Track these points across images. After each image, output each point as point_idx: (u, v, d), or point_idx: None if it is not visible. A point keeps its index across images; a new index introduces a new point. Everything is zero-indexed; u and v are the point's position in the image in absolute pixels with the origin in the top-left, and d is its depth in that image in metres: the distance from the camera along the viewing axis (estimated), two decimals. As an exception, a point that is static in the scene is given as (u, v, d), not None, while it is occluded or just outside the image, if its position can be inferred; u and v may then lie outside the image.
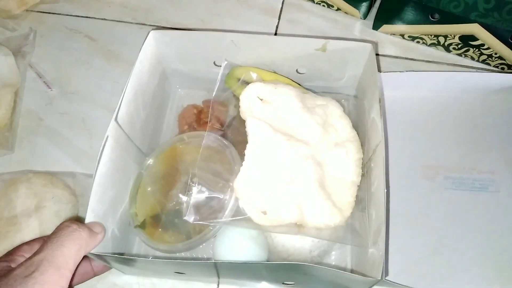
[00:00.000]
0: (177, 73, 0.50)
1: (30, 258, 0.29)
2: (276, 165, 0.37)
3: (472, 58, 0.57)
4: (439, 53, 0.58)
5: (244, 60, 0.45)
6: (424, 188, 0.47)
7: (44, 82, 0.57)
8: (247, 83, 0.42)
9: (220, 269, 0.36)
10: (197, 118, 0.48)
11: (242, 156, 0.38)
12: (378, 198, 0.35)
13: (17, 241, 0.42)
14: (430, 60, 0.57)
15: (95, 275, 0.38)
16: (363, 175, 0.40)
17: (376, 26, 0.60)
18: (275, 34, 0.61)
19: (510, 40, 0.51)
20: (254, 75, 0.44)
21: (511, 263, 0.42)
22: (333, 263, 0.42)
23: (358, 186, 0.39)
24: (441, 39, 0.56)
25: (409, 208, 0.45)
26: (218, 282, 0.42)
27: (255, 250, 0.39)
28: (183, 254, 0.43)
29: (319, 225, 0.36)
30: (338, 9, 0.62)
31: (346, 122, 0.41)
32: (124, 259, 0.35)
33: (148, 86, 0.44)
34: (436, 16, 0.53)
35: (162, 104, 0.50)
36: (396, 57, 0.58)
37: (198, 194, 0.38)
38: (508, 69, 0.55)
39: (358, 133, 0.41)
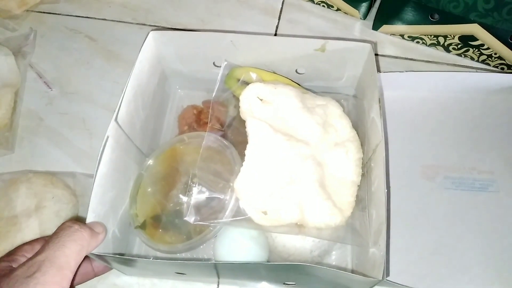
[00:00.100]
0: (177, 74, 0.50)
1: (31, 258, 0.29)
2: (276, 165, 0.37)
3: (472, 58, 0.57)
4: (439, 53, 0.58)
5: (244, 61, 0.45)
6: (424, 188, 0.47)
7: (44, 82, 0.57)
8: (247, 83, 0.42)
9: (220, 269, 0.36)
10: (197, 118, 0.48)
11: (242, 156, 0.38)
12: (379, 198, 0.35)
13: (18, 241, 0.42)
14: (430, 60, 0.57)
15: (95, 275, 0.38)
16: (363, 175, 0.40)
17: (376, 27, 0.60)
18: (275, 34, 0.61)
19: (509, 40, 0.51)
20: (253, 76, 0.44)
21: (511, 263, 0.42)
22: (334, 263, 0.43)
23: (358, 186, 0.39)
24: (441, 39, 0.56)
25: (409, 208, 0.46)
26: (218, 282, 0.42)
27: (256, 251, 0.39)
28: (183, 255, 0.43)
29: (320, 225, 0.36)
30: (338, 9, 0.62)
31: (346, 122, 0.41)
32: (125, 259, 0.36)
33: (148, 86, 0.45)
34: (436, 16, 0.53)
35: (162, 105, 0.50)
36: (396, 57, 0.58)
37: (198, 194, 0.38)
38: (507, 69, 0.55)
39: (358, 133, 0.41)
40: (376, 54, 0.58)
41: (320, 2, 0.63)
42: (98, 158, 0.35)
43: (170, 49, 0.46)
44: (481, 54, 0.55)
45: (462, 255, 0.43)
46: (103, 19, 0.63)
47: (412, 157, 0.49)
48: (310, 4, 0.63)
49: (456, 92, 0.52)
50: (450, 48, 0.57)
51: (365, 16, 0.61)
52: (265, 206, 0.36)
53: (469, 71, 0.56)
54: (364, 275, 0.35)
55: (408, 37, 0.58)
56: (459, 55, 0.57)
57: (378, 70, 0.54)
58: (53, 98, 0.56)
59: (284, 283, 0.39)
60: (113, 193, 0.39)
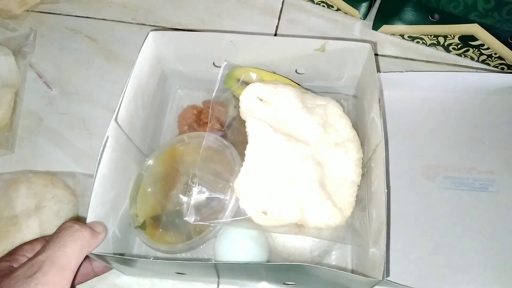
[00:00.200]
0: (177, 74, 0.50)
1: (32, 258, 0.29)
2: (276, 165, 0.37)
3: (472, 58, 0.57)
4: (439, 53, 0.58)
5: (244, 61, 0.45)
6: (424, 188, 0.47)
7: (44, 82, 0.57)
8: (246, 83, 0.42)
9: (220, 269, 0.36)
10: (197, 118, 0.48)
11: (242, 156, 0.38)
12: (379, 198, 0.35)
13: (18, 241, 0.42)
14: (430, 60, 0.57)
15: (95, 275, 0.38)
16: (363, 175, 0.40)
17: (376, 27, 0.60)
18: (275, 34, 0.61)
19: (509, 40, 0.51)
20: (253, 76, 0.44)
21: (511, 263, 0.42)
22: (334, 263, 0.43)
23: (358, 186, 0.39)
24: (441, 39, 0.56)
25: (409, 208, 0.46)
26: (218, 282, 0.42)
27: (256, 251, 0.39)
28: (183, 255, 0.43)
29: (320, 225, 0.36)
30: (338, 9, 0.62)
31: (346, 122, 0.41)
32: (125, 259, 0.36)
33: (147, 86, 0.45)
34: (436, 16, 0.53)
35: (162, 105, 0.50)
36: (396, 57, 0.58)
37: (198, 194, 0.39)
38: (507, 69, 0.55)
39: (358, 133, 0.41)
40: (376, 54, 0.58)
41: (320, 2, 0.63)
42: (98, 158, 0.35)
43: (170, 49, 0.46)
44: (481, 54, 0.55)
45: (462, 255, 0.43)
46: (103, 19, 0.63)
47: (412, 157, 0.49)
48: (310, 4, 0.63)
49: (456, 92, 0.52)
50: (450, 48, 0.57)
51: (365, 16, 0.61)
52: (265, 206, 0.36)
53: (469, 71, 0.56)
54: (364, 275, 0.35)
55: (408, 37, 0.58)
56: (459, 55, 0.57)
57: (378, 70, 0.54)
58: (53, 98, 0.56)
59: (284, 283, 0.39)
60: (113, 193, 0.39)
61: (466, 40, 0.54)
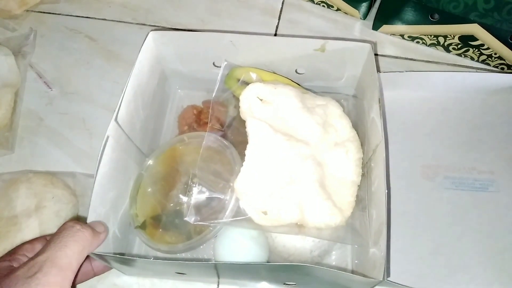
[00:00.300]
0: (177, 74, 0.50)
1: (32, 258, 0.29)
2: (276, 165, 0.37)
3: (472, 58, 0.57)
4: (439, 53, 0.58)
5: (244, 61, 0.45)
6: (424, 188, 0.47)
7: (44, 82, 0.57)
8: (246, 83, 0.42)
9: (220, 269, 0.36)
10: (197, 118, 0.48)
11: (242, 156, 0.38)
12: (379, 198, 0.35)
13: (18, 241, 0.42)
14: (430, 60, 0.57)
15: (95, 275, 0.38)
16: (363, 175, 0.40)
17: (376, 27, 0.60)
18: (275, 34, 0.61)
19: (509, 40, 0.51)
20: (253, 76, 0.45)
21: (511, 263, 0.42)
22: (334, 263, 0.42)
23: (358, 186, 0.39)
24: (441, 39, 0.56)
25: (409, 208, 0.46)
26: (218, 282, 0.42)
27: (256, 251, 0.39)
28: (183, 255, 0.43)
29: (320, 225, 0.36)
30: (338, 9, 0.62)
31: (346, 122, 0.41)
32: (125, 259, 0.36)
33: (147, 86, 0.45)
34: (436, 16, 0.53)
35: (162, 105, 0.50)
36: (396, 57, 0.58)
37: (198, 194, 0.39)
38: (507, 69, 0.55)
39: (358, 133, 0.41)
40: (376, 54, 0.58)
41: (320, 2, 0.63)
42: (99, 158, 0.35)
43: (170, 49, 0.46)
44: (481, 54, 0.55)
45: (462, 255, 0.43)
46: (103, 19, 0.63)
47: (412, 157, 0.49)
48: (310, 4, 0.63)
49: (456, 92, 0.52)
50: (450, 48, 0.57)
51: (365, 16, 0.61)
52: (265, 206, 0.36)
53: (469, 71, 0.56)
54: (364, 275, 0.35)
55: (408, 37, 0.58)
56: (459, 55, 0.57)
57: (378, 70, 0.54)
58: (53, 98, 0.56)
59: (284, 283, 0.39)
60: (113, 193, 0.39)
61: (466, 40, 0.54)
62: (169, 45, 0.45)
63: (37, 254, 0.29)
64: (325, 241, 0.39)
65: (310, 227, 0.36)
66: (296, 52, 0.44)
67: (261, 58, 0.45)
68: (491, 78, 0.51)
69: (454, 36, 0.54)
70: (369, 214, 0.38)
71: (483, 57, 0.55)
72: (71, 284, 0.29)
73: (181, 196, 0.41)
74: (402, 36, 0.59)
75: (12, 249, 0.34)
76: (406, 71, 0.55)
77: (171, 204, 0.41)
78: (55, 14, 0.64)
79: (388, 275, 0.41)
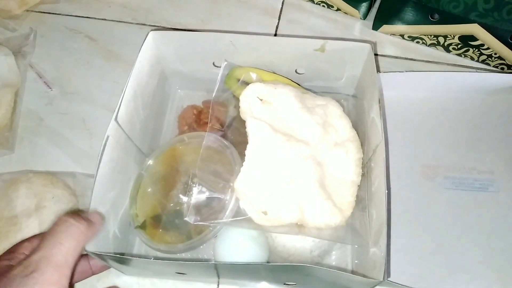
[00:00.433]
0: (177, 74, 0.50)
1: (28, 256, 0.29)
2: (276, 165, 0.37)
3: (472, 58, 0.57)
4: (439, 53, 0.58)
5: (244, 61, 0.45)
6: (424, 188, 0.47)
7: (44, 82, 0.57)
8: (246, 83, 0.42)
9: (220, 269, 0.36)
10: (197, 118, 0.48)
11: (242, 156, 0.38)
12: (379, 198, 0.35)
13: (17, 241, 0.41)
14: (430, 60, 0.57)
15: (93, 273, 0.38)
16: (363, 175, 0.40)
17: (376, 26, 0.60)
18: (275, 34, 0.61)
19: (509, 40, 0.51)
20: (253, 76, 0.45)
21: (511, 263, 0.42)
22: (334, 263, 0.42)
23: (358, 186, 0.39)
24: (441, 39, 0.56)
25: (409, 208, 0.46)
26: (218, 282, 0.42)
27: (256, 251, 0.39)
28: (183, 255, 0.43)
29: (320, 225, 0.36)
30: (338, 9, 0.62)
31: (346, 122, 0.41)
32: (125, 259, 0.35)
33: (147, 86, 0.45)
34: (436, 16, 0.53)
35: (162, 105, 0.50)
36: (396, 57, 0.58)
37: (198, 194, 0.39)
38: (507, 69, 0.55)
39: (358, 133, 0.41)
40: (376, 54, 0.58)
41: (320, 2, 0.63)
42: (99, 158, 0.35)
43: (170, 49, 0.46)
44: (481, 54, 0.55)
45: (462, 255, 0.43)
46: (103, 19, 0.63)
47: (412, 157, 0.49)
48: (310, 4, 0.63)
49: (456, 92, 0.52)
50: (450, 48, 0.57)
51: (365, 16, 0.61)
52: (265, 206, 0.36)
53: (469, 71, 0.56)
54: (364, 275, 0.35)
55: (408, 37, 0.58)
56: (459, 55, 0.57)
57: (378, 70, 0.54)
58: (53, 98, 0.56)
59: (284, 283, 0.39)
60: (113, 193, 0.39)
61: (466, 40, 0.54)
62: (169, 45, 0.45)
63: (33, 252, 0.29)
64: (325, 241, 0.39)
65: (310, 227, 0.36)
66: (296, 52, 0.44)
67: (261, 58, 0.45)
68: (491, 78, 0.51)
69: (454, 36, 0.54)
70: (369, 214, 0.38)
71: (483, 57, 0.55)
72: (69, 281, 0.29)
73: (181, 196, 0.41)
74: (402, 36, 0.59)
75: (11, 248, 0.33)
76: (406, 71, 0.55)
77: (171, 204, 0.41)
78: (55, 14, 0.64)
79: (388, 275, 0.41)
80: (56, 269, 0.28)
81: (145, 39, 0.43)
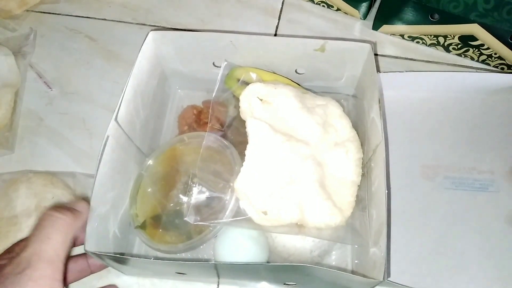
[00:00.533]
0: (177, 74, 0.50)
1: (18, 254, 0.29)
2: (276, 165, 0.37)
3: (472, 58, 0.57)
4: (439, 53, 0.58)
5: (244, 61, 0.45)
6: (424, 188, 0.47)
7: (44, 82, 0.57)
8: (246, 83, 0.42)
9: (220, 269, 0.36)
10: (197, 118, 0.48)
11: (242, 156, 0.38)
12: (379, 198, 0.35)
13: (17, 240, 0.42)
14: (430, 60, 0.57)
15: (92, 272, 0.38)
16: (363, 175, 0.40)
17: (376, 27, 0.60)
18: (275, 34, 0.61)
19: (509, 40, 0.51)
20: (253, 76, 0.45)
21: (511, 263, 0.42)
22: (334, 263, 0.42)
23: (358, 186, 0.39)
24: (441, 39, 0.56)
25: (409, 208, 0.46)
26: (218, 282, 0.42)
27: (256, 251, 0.39)
28: (183, 255, 0.43)
29: (320, 225, 0.36)
30: (338, 9, 0.62)
31: (346, 122, 0.41)
32: (125, 259, 0.35)
33: (147, 86, 0.45)
34: (436, 16, 0.53)
35: (162, 105, 0.50)
36: (396, 57, 0.58)
37: (198, 194, 0.39)
38: (507, 69, 0.55)
39: (358, 133, 0.41)
40: (376, 54, 0.58)
41: (320, 2, 0.63)
42: (99, 157, 0.35)
43: (170, 49, 0.46)
44: (481, 54, 0.55)
45: (462, 255, 0.43)
46: (103, 19, 0.63)
47: (412, 157, 0.49)
48: (310, 4, 0.63)
49: (456, 92, 0.52)
50: (450, 48, 0.57)
51: (365, 16, 0.61)
52: (265, 206, 0.36)
53: (469, 71, 0.56)
54: (364, 275, 0.35)
55: (408, 37, 0.58)
56: (459, 55, 0.57)
57: (378, 70, 0.54)
58: (53, 98, 0.56)
59: (284, 283, 0.39)
60: (113, 193, 0.39)
61: (466, 40, 0.54)
62: (169, 45, 0.45)
63: (23, 250, 0.29)
64: (325, 241, 0.39)
65: (310, 227, 0.36)
66: (296, 52, 0.44)
67: (261, 58, 0.45)
68: (491, 78, 0.51)
69: (454, 36, 0.54)
70: (369, 214, 0.38)
71: (483, 57, 0.55)
72: (62, 274, 0.29)
73: (181, 196, 0.41)
74: (402, 36, 0.59)
75: (9, 247, 0.33)
76: (406, 71, 0.55)
77: (171, 204, 0.41)
78: (55, 14, 0.64)
79: (388, 275, 0.41)
80: (48, 264, 0.28)
81: (145, 39, 0.43)
